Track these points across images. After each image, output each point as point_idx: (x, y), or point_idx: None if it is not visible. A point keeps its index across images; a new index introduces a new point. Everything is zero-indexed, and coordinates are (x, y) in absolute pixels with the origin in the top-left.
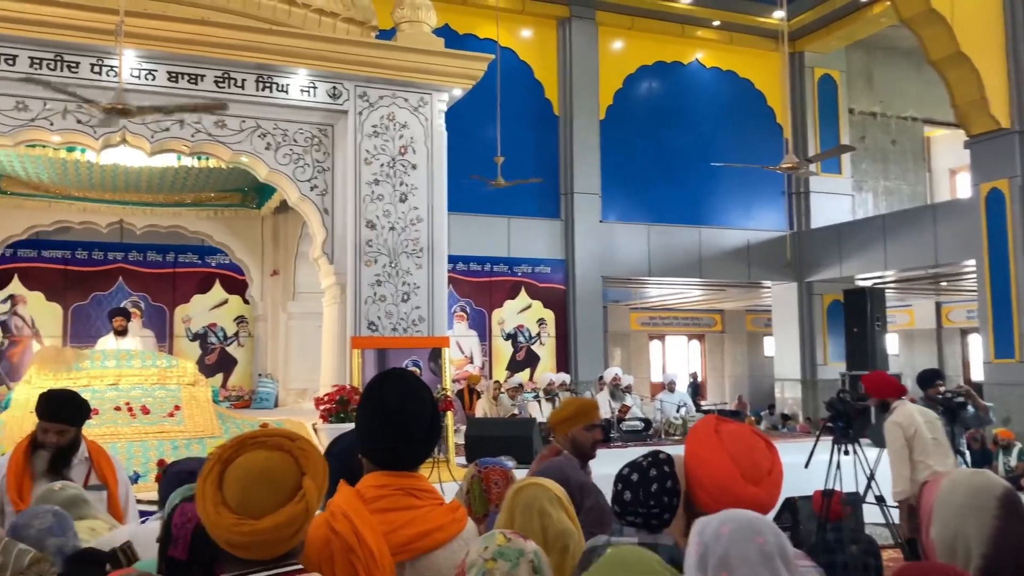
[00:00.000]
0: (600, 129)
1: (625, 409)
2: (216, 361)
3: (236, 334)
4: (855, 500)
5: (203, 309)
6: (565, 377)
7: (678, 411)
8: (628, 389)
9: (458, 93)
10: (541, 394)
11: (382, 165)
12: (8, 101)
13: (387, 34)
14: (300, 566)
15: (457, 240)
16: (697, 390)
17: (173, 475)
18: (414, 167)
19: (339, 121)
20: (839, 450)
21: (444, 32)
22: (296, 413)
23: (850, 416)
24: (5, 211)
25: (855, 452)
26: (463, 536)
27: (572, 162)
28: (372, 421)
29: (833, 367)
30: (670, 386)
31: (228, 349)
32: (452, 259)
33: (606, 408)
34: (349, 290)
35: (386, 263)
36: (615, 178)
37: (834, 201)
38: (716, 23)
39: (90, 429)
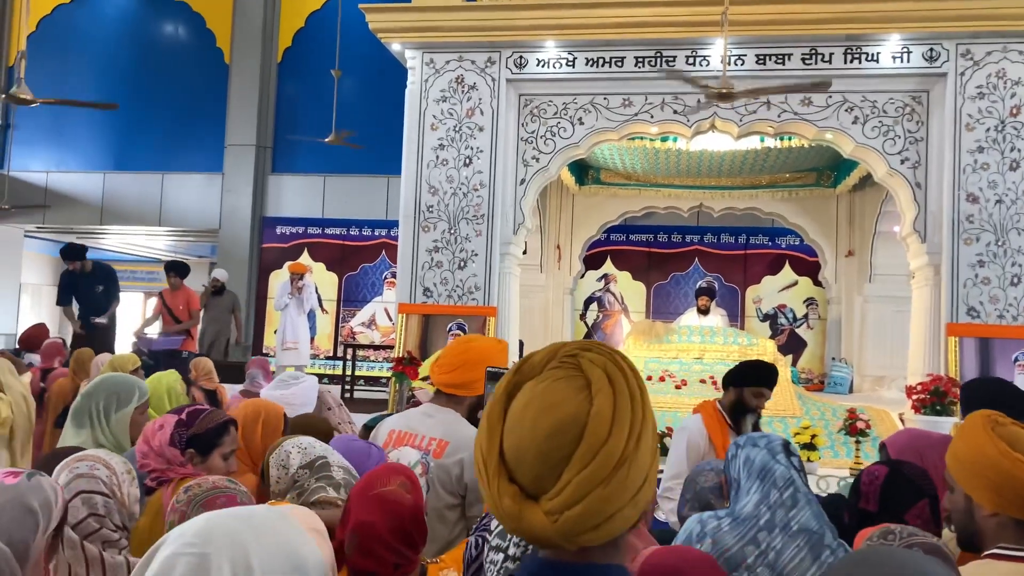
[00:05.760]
0: None
1: None
2: (785, 342)
3: (805, 316)
4: None
5: (772, 290)
6: None
7: None
8: None
9: None
10: None
11: (987, 129)
12: (616, 99)
13: None
14: None
15: None
16: None
17: None
18: None
19: (935, 85)
20: None
21: None
22: (874, 400)
23: None
24: (603, 200)
25: None
26: None
27: None
28: None
29: None
30: None
31: (797, 331)
32: None
33: None
34: (944, 271)
35: (990, 241)
36: None
37: None
38: None
39: (681, 399)
